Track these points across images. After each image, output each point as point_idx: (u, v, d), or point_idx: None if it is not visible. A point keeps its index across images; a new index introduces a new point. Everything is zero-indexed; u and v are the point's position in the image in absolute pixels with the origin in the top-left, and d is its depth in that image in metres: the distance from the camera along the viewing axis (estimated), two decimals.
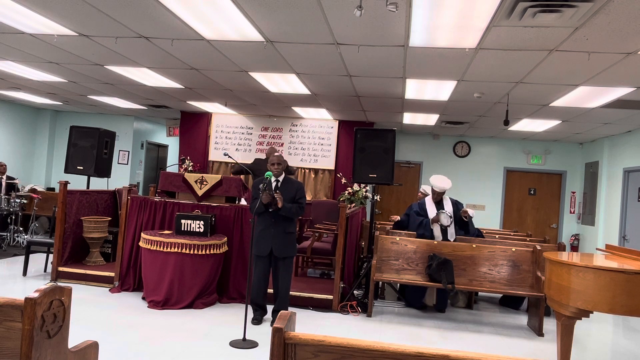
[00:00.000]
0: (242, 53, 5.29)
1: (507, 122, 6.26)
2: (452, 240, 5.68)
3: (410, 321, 5.29)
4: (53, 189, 10.54)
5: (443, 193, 5.75)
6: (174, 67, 6.15)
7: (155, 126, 12.58)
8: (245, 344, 4.08)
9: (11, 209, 7.94)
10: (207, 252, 5.06)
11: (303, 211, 4.76)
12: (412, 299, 5.85)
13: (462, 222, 5.73)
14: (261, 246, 4.70)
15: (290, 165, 8.56)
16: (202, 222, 5.21)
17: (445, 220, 5.59)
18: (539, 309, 5.13)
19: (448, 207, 5.73)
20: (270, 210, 4.60)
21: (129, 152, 11.46)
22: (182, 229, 5.23)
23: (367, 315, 5.32)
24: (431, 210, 5.77)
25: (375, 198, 6.71)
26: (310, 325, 4.82)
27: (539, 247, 5.36)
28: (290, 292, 4.95)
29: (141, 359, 3.66)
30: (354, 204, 8.04)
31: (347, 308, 5.41)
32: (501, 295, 6.46)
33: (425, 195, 6.27)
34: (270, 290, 4.92)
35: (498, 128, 8.99)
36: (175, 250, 4.97)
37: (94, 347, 2.27)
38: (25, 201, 8.40)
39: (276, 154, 4.93)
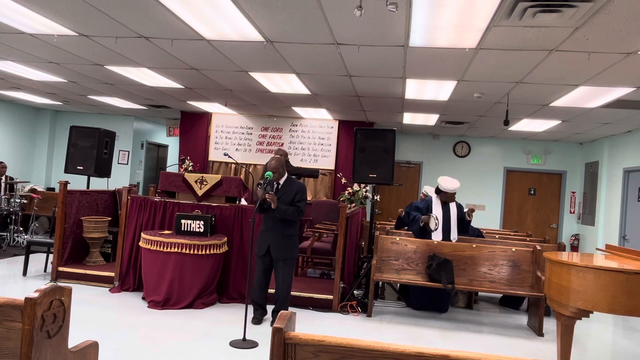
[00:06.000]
0: (242, 53, 5.28)
1: (507, 122, 6.26)
2: (454, 241, 5.68)
3: (410, 321, 5.29)
4: (53, 189, 10.54)
5: (454, 194, 5.72)
6: (174, 67, 6.15)
7: (155, 126, 12.58)
8: (245, 344, 4.08)
9: (11, 209, 7.94)
10: (207, 252, 5.06)
11: (301, 214, 4.71)
12: (418, 303, 5.78)
13: (463, 225, 5.72)
14: (259, 246, 4.74)
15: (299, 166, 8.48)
16: (202, 222, 5.21)
17: (432, 224, 5.59)
18: (539, 309, 5.13)
19: (453, 209, 5.72)
20: (265, 207, 4.60)
21: (129, 152, 11.46)
22: (182, 229, 5.23)
23: (367, 315, 5.32)
24: (437, 210, 5.74)
25: (375, 198, 6.71)
26: (310, 325, 4.82)
27: (539, 247, 5.36)
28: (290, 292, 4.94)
29: (141, 359, 3.66)
30: (354, 204, 8.04)
31: (347, 308, 5.41)
32: (501, 295, 6.46)
33: (427, 196, 6.25)
34: (272, 291, 4.92)
35: (498, 128, 8.99)
36: (175, 250, 4.97)
37: (94, 347, 2.27)
38: (25, 201, 8.41)
39: (275, 157, 4.78)
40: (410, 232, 6.03)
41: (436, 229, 5.61)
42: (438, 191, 5.76)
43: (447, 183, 5.67)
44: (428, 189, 6.71)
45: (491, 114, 7.66)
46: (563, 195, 10.24)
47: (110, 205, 6.87)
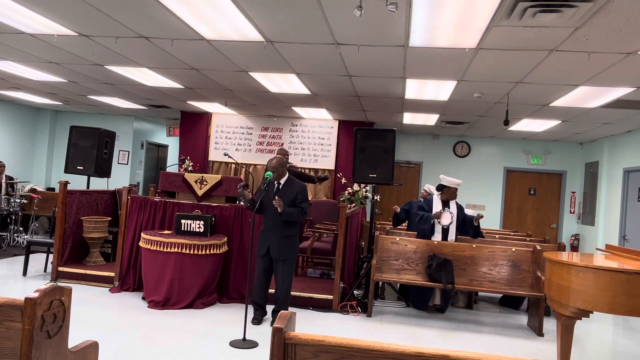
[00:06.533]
0: (242, 53, 5.28)
1: (507, 122, 6.26)
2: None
3: (410, 321, 5.29)
4: (53, 189, 10.53)
5: (456, 190, 5.75)
6: (174, 67, 6.15)
7: (155, 126, 12.58)
8: (245, 344, 4.08)
9: (11, 209, 7.94)
10: (207, 252, 5.06)
11: (305, 215, 4.73)
12: (418, 302, 5.81)
13: (463, 227, 5.74)
14: (259, 246, 4.75)
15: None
16: (202, 222, 5.21)
17: (445, 220, 5.60)
18: (539, 309, 5.13)
19: (453, 208, 5.73)
20: (250, 207, 4.65)
21: (129, 152, 11.46)
22: (182, 229, 5.23)
23: (367, 315, 5.32)
24: (438, 208, 5.75)
25: (375, 198, 6.71)
26: (310, 325, 4.82)
27: (539, 247, 5.36)
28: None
29: (141, 359, 3.66)
30: (354, 204, 8.04)
31: (347, 308, 5.41)
32: (501, 295, 6.46)
33: (430, 193, 6.26)
34: (272, 291, 4.91)
35: (498, 128, 8.98)
36: (175, 250, 4.97)
37: (94, 347, 2.27)
38: (25, 201, 8.40)
39: (276, 156, 4.80)
40: (410, 232, 6.04)
41: (451, 223, 5.62)
42: (440, 187, 5.77)
43: (451, 177, 5.75)
44: (430, 187, 6.70)
45: (491, 114, 7.66)
46: (563, 195, 10.24)
47: (110, 205, 6.87)
